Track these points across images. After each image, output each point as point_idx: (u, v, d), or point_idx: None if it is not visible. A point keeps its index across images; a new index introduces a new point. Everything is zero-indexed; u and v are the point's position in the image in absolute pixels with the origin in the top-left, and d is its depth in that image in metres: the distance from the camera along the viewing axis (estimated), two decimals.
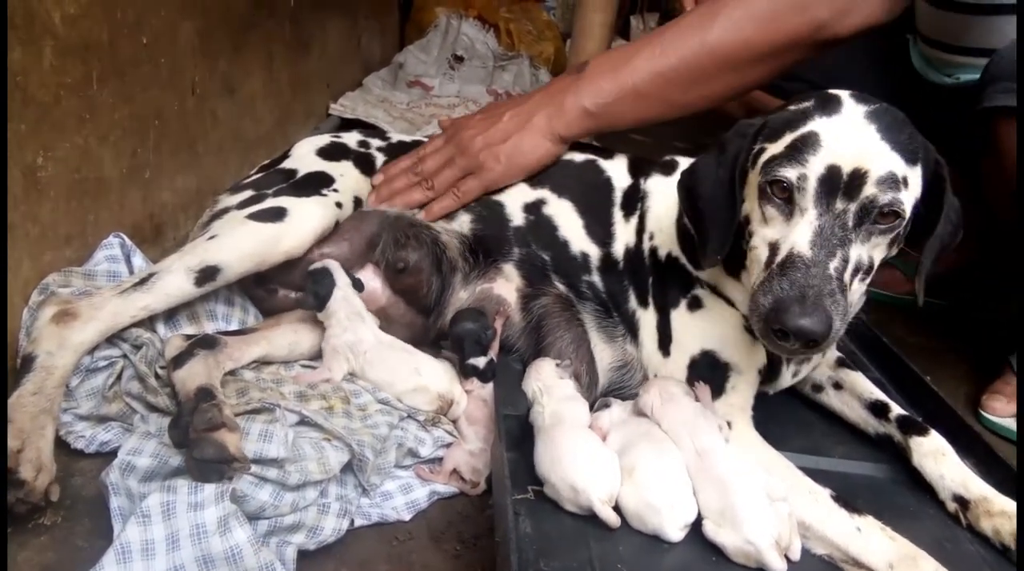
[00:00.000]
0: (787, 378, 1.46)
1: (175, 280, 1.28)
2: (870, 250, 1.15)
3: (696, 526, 1.13)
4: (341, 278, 1.43)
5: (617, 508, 1.13)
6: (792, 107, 1.22)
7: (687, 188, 1.31)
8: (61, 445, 1.15)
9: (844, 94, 1.20)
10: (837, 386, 1.54)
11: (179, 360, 1.20)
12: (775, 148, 1.18)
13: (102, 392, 1.20)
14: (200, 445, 1.00)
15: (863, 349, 1.81)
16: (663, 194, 1.50)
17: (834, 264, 1.08)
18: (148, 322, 1.31)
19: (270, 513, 1.05)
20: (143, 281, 1.28)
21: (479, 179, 1.57)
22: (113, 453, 1.13)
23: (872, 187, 1.10)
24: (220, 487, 0.97)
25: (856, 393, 1.51)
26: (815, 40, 1.54)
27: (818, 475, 1.36)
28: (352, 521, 1.15)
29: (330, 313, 1.41)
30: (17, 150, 1.19)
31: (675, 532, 1.12)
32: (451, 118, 1.72)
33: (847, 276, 1.10)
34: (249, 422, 1.13)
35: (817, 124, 1.15)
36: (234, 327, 1.41)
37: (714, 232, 1.24)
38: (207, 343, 1.25)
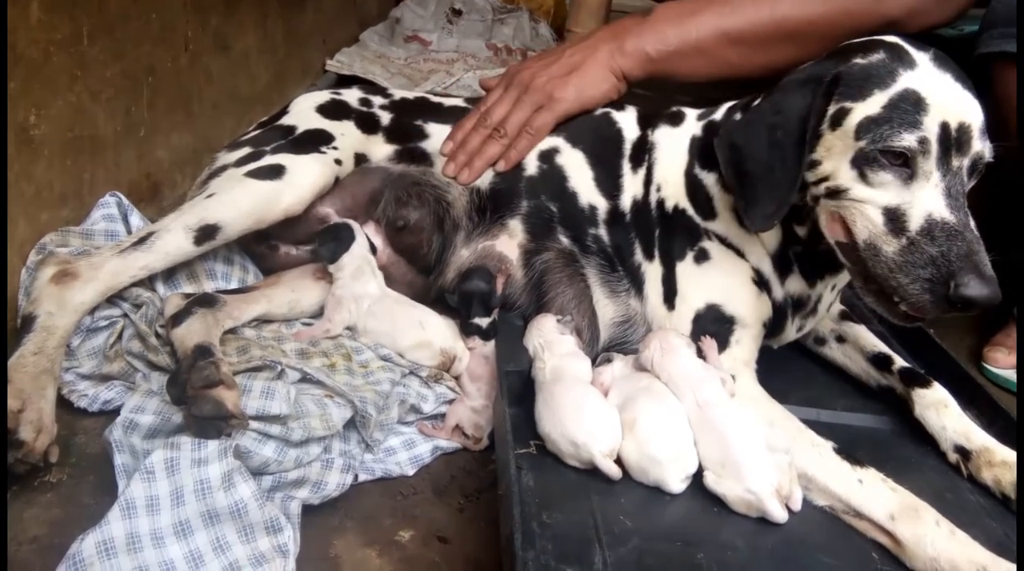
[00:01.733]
0: (792, 332, 1.46)
1: (174, 239, 1.27)
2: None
3: (698, 477, 1.14)
4: (361, 237, 1.45)
5: (619, 461, 1.14)
6: (857, 59, 1.19)
7: (732, 147, 1.26)
8: (64, 404, 1.16)
9: (899, 40, 1.19)
10: (840, 339, 1.54)
11: (178, 318, 1.19)
12: (867, 108, 1.15)
13: (103, 351, 1.20)
14: (198, 402, 1.00)
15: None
16: (671, 145, 1.48)
17: (971, 223, 1.09)
18: (147, 281, 1.30)
19: (274, 468, 1.05)
20: (142, 240, 1.27)
21: (551, 111, 1.54)
22: (116, 411, 1.13)
23: (978, 141, 1.12)
24: (223, 443, 0.97)
25: (859, 346, 1.51)
26: (879, 30, 1.52)
27: (820, 427, 1.36)
28: (356, 476, 1.16)
29: (341, 265, 1.43)
30: (9, 108, 1.17)
31: (677, 484, 1.12)
32: (494, 77, 1.68)
33: None
34: (251, 380, 1.13)
35: (908, 79, 1.14)
36: (234, 286, 1.41)
37: (768, 196, 1.22)
38: (206, 301, 1.25)
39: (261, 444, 1.06)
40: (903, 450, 1.35)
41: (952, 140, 1.11)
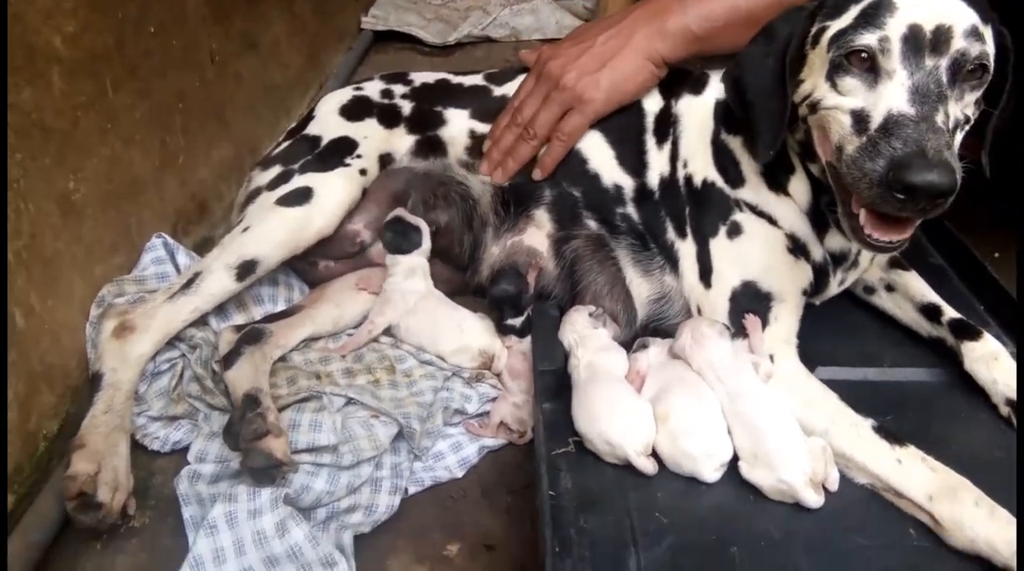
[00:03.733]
0: (834, 288, 1.44)
1: (217, 279, 1.36)
2: (963, 109, 1.12)
3: (733, 466, 1.17)
4: (426, 242, 1.53)
5: (655, 454, 1.18)
6: None
7: (734, 80, 1.28)
8: (138, 446, 1.28)
9: None
10: (889, 288, 1.51)
11: (228, 360, 1.29)
12: (841, 23, 1.15)
13: (168, 394, 1.31)
14: (250, 455, 1.10)
15: (924, 232, 1.75)
16: (695, 115, 1.45)
17: (939, 118, 1.05)
18: (200, 319, 1.39)
19: (326, 500, 1.15)
20: (189, 283, 1.35)
21: (582, 114, 1.48)
22: (187, 450, 1.25)
23: (960, 40, 1.08)
24: (274, 492, 1.07)
25: (909, 295, 1.47)
26: None
27: (867, 388, 1.37)
28: (407, 490, 1.25)
29: (397, 261, 1.50)
30: (46, 185, 1.24)
31: (711, 474, 1.15)
32: (533, 50, 1.60)
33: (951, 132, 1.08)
34: (299, 413, 1.23)
35: None
36: (281, 306, 1.49)
37: (766, 124, 1.23)
38: (253, 337, 1.33)
39: (314, 477, 1.15)
40: (953, 403, 1.33)
41: (925, 40, 1.08)
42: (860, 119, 1.11)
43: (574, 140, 1.50)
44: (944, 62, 1.08)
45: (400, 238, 1.52)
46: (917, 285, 1.48)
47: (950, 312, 1.41)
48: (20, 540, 1.10)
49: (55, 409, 1.27)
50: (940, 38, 1.08)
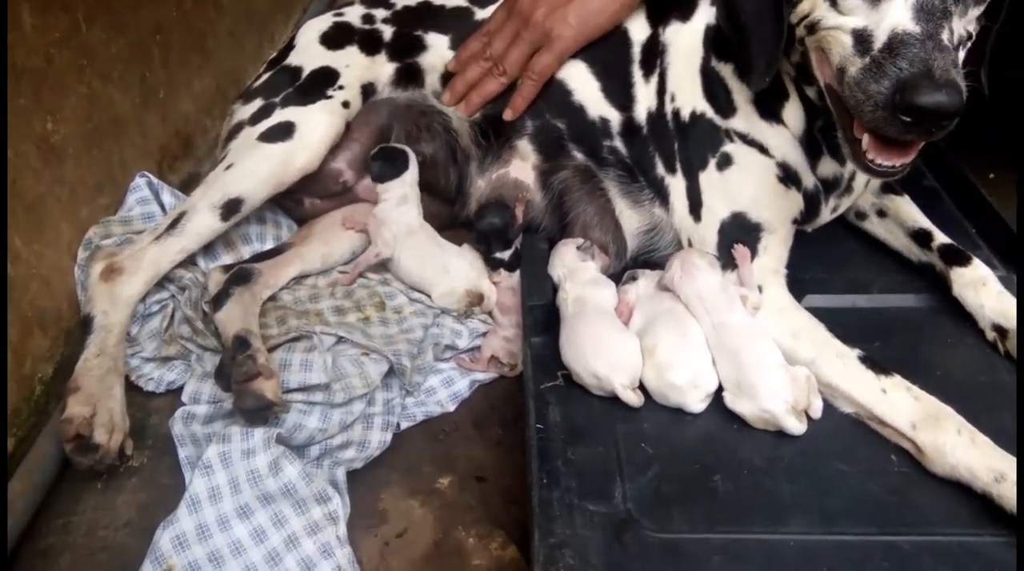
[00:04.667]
0: (826, 215, 1.43)
1: (203, 219, 1.35)
2: (966, 25, 1.09)
3: (718, 396, 1.19)
4: (413, 166, 1.51)
5: (642, 387, 1.20)
6: None
7: (726, 4, 1.24)
8: (134, 387, 1.29)
9: None
10: (881, 213, 1.50)
11: (218, 301, 1.29)
12: None
13: (160, 335, 1.32)
14: (241, 396, 1.11)
15: (920, 155, 1.73)
16: (683, 44, 1.41)
17: (945, 35, 1.02)
18: (189, 259, 1.39)
19: (319, 438, 1.17)
20: (174, 223, 1.34)
21: (551, 52, 1.44)
22: (182, 390, 1.27)
23: None
24: (267, 432, 1.09)
25: (900, 221, 1.47)
26: None
27: (855, 314, 1.38)
28: (399, 425, 1.27)
29: (388, 188, 1.49)
30: (24, 125, 1.22)
31: (697, 405, 1.18)
32: None
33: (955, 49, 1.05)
34: (290, 353, 1.24)
35: None
36: (269, 244, 1.49)
37: (760, 48, 1.19)
38: (242, 277, 1.33)
39: (306, 416, 1.17)
40: (940, 329, 1.34)
41: None
42: (862, 39, 1.07)
43: (544, 78, 1.47)
44: None
45: (387, 165, 1.50)
46: (908, 210, 1.48)
47: (940, 237, 1.41)
48: (22, 481, 1.13)
49: (49, 352, 1.28)
50: None
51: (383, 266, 1.51)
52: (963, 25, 1.08)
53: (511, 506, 1.19)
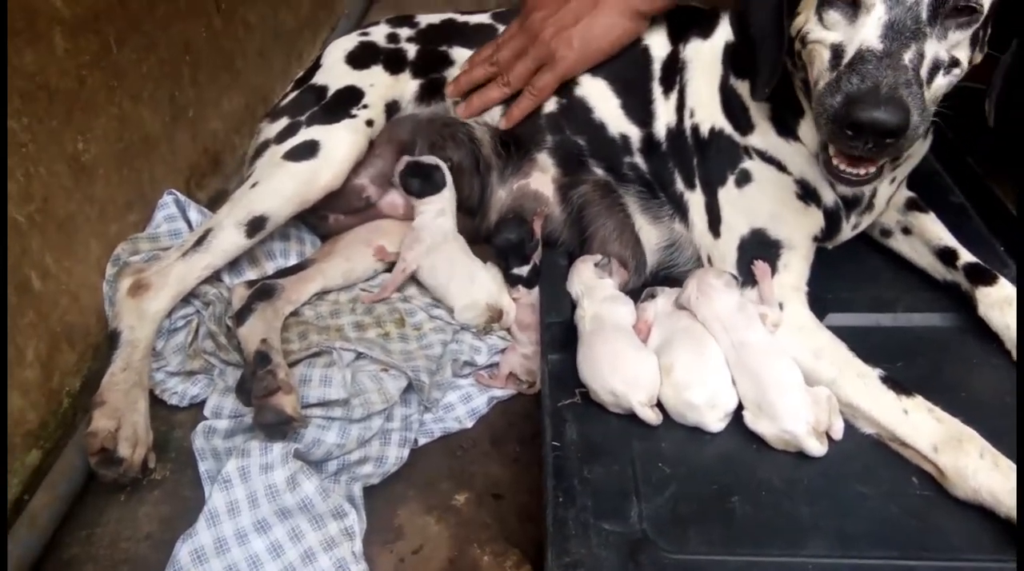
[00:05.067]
0: (847, 232, 1.42)
1: (228, 236, 1.37)
2: (949, 48, 1.08)
3: (738, 416, 1.18)
4: (449, 176, 1.54)
5: (660, 405, 1.20)
6: None
7: (738, 15, 1.25)
8: (158, 401, 1.32)
9: None
10: (906, 231, 1.48)
11: (241, 316, 1.31)
12: None
13: (184, 349, 1.34)
14: (261, 411, 1.13)
15: (946, 169, 1.71)
16: (703, 61, 1.41)
17: (908, 55, 1.02)
18: (214, 275, 1.41)
19: (337, 453, 1.19)
20: (200, 240, 1.37)
21: (552, 71, 1.47)
22: (204, 404, 1.29)
23: None
24: (286, 447, 1.11)
25: (925, 239, 1.45)
26: None
27: (879, 333, 1.37)
28: (417, 441, 1.28)
29: (428, 201, 1.51)
30: (55, 147, 1.25)
31: (715, 425, 1.17)
32: None
33: (924, 71, 1.04)
34: (310, 368, 1.25)
35: None
36: (292, 260, 1.51)
37: (764, 59, 1.20)
38: (265, 293, 1.35)
39: (325, 431, 1.19)
40: (966, 349, 1.33)
41: None
42: (837, 54, 1.09)
43: (544, 95, 1.50)
44: None
45: (425, 182, 1.52)
46: (934, 228, 1.46)
47: (966, 256, 1.39)
48: (48, 493, 1.16)
49: (77, 366, 1.31)
50: None
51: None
52: (944, 48, 1.07)
53: (527, 524, 1.19)
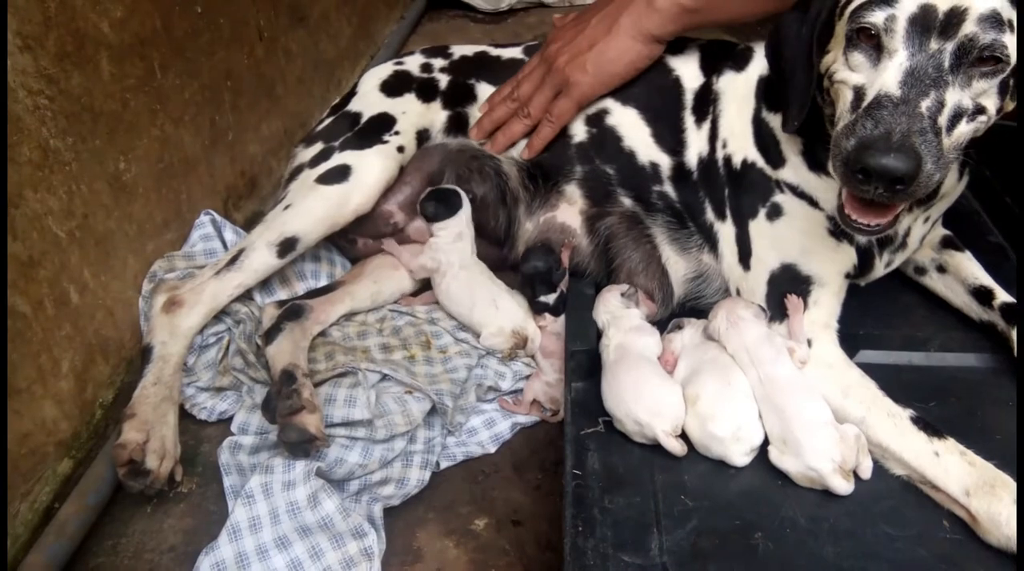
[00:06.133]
0: (880, 269, 1.40)
1: (260, 256, 1.40)
2: (974, 96, 1.06)
3: (763, 450, 1.16)
4: (467, 206, 1.55)
5: (684, 437, 1.18)
6: None
7: (772, 48, 1.26)
8: (188, 416, 1.34)
9: None
10: (941, 269, 1.46)
11: (269, 335, 1.33)
12: None
13: (215, 366, 1.36)
14: (285, 430, 1.14)
15: (984, 209, 1.69)
16: (736, 93, 1.42)
17: (926, 103, 1.02)
18: (246, 294, 1.44)
19: (359, 473, 1.19)
20: (233, 260, 1.40)
21: (569, 97, 1.49)
22: (233, 420, 1.31)
23: (972, 25, 1.03)
24: (308, 465, 1.12)
25: (960, 277, 1.43)
26: None
27: (911, 372, 1.34)
28: (438, 464, 1.28)
29: (444, 226, 1.53)
30: (98, 166, 1.30)
31: (740, 459, 1.16)
32: (564, 15, 1.62)
33: (943, 119, 1.03)
34: (335, 388, 1.27)
35: None
36: (323, 281, 1.54)
37: (795, 93, 1.21)
38: (294, 313, 1.38)
39: (348, 450, 1.20)
40: (1000, 390, 1.30)
41: (935, 21, 1.03)
42: (858, 96, 1.09)
43: (563, 122, 1.52)
44: (950, 46, 1.03)
45: (441, 206, 1.54)
46: (969, 267, 1.43)
47: (1003, 296, 1.36)
48: (76, 502, 1.18)
49: (110, 379, 1.34)
50: (951, 20, 1.03)
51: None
52: (968, 96, 1.06)
53: (546, 552, 1.18)
